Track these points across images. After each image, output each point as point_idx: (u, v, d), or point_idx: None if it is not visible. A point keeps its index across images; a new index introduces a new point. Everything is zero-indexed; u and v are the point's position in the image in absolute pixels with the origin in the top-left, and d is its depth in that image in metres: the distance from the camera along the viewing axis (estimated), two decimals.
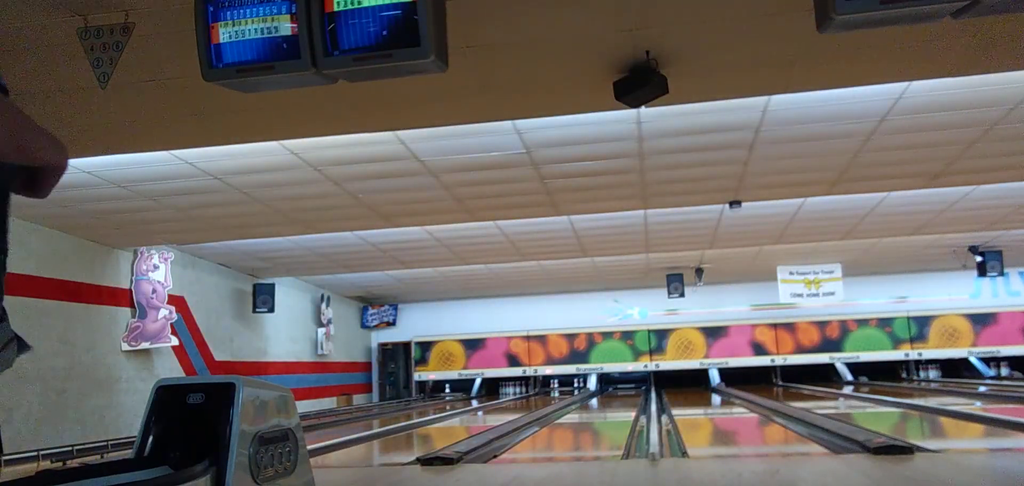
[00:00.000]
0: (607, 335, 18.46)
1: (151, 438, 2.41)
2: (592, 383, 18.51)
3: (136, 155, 6.55)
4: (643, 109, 5.70)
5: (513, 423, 9.68)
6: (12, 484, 1.95)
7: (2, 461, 6.48)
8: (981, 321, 17.32)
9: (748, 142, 6.83)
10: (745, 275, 16.32)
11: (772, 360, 17.97)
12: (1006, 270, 14.45)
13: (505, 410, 13.45)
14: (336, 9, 3.17)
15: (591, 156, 7.14)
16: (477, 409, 14.57)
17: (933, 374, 17.77)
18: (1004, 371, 17.38)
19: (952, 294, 17.29)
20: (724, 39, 4.51)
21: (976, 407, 10.55)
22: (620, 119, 6.13)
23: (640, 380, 18.76)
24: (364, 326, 19.07)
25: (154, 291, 10.49)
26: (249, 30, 3.24)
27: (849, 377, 17.63)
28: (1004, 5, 2.99)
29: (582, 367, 18.58)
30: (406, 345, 19.36)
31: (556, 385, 19.22)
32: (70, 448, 7.95)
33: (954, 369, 17.59)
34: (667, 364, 18.20)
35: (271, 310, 13.42)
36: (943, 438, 7.58)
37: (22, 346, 1.28)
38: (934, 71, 5.22)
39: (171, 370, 10.89)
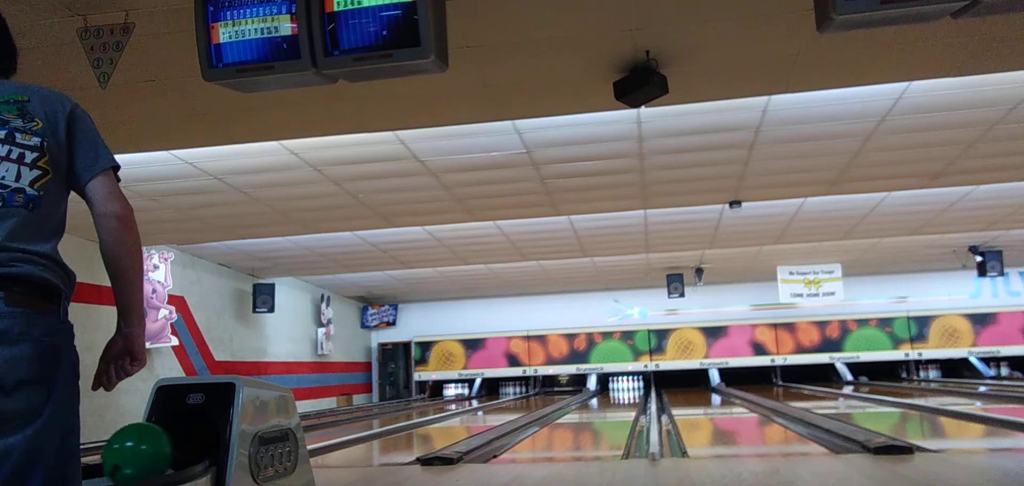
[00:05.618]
0: (607, 335, 18.44)
1: None
2: (592, 383, 18.50)
3: (136, 155, 6.54)
4: (643, 109, 5.70)
5: (513, 423, 9.67)
6: None
7: None
8: (981, 321, 17.31)
9: (748, 142, 6.83)
10: (745, 275, 16.32)
11: (772, 360, 17.96)
12: (1006, 270, 14.45)
13: (505, 410, 13.45)
14: (336, 9, 3.17)
15: (591, 156, 7.13)
16: (477, 409, 14.57)
17: (933, 374, 17.76)
18: (1004, 371, 17.37)
19: (952, 294, 17.28)
20: (724, 39, 4.51)
21: (976, 407, 10.54)
22: (620, 119, 6.13)
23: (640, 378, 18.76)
24: (364, 326, 19.07)
25: (154, 291, 10.49)
26: (249, 30, 3.24)
27: (849, 377, 17.62)
28: (1004, 5, 2.99)
29: (582, 367, 18.58)
30: (406, 345, 19.36)
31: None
32: None
33: (954, 369, 17.58)
34: (667, 364, 18.18)
35: (271, 310, 13.42)
36: (943, 438, 7.58)
37: None
38: (934, 71, 5.22)
39: (171, 370, 10.88)
